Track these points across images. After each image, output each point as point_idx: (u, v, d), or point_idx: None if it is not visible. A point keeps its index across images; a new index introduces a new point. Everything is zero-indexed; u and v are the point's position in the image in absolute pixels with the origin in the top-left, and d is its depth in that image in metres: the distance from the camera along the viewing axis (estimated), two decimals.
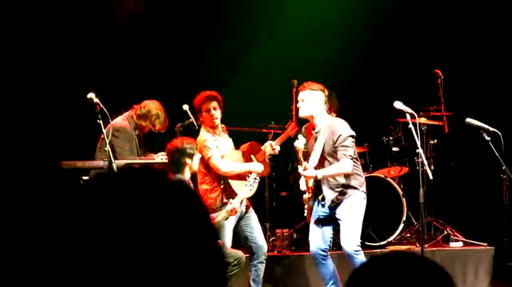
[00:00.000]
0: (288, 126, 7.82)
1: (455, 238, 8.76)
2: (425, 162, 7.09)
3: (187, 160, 6.74)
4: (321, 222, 6.97)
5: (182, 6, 9.97)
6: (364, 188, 6.95)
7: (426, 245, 8.09)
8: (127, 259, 1.10)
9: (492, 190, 7.90)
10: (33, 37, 9.13)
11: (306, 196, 7.03)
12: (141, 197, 1.16)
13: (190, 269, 1.14)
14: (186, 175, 6.80)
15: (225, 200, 6.99)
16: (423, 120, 8.74)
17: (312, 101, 6.89)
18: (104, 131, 6.86)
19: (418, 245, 8.41)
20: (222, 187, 7.02)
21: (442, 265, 1.44)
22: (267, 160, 7.56)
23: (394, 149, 8.94)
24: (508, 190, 7.04)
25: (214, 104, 7.19)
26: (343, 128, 6.82)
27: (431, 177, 7.13)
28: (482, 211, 9.31)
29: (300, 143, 6.86)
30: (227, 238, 6.95)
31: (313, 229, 7.02)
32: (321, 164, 6.86)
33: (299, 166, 6.80)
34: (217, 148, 7.13)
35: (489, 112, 8.57)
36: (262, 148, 7.53)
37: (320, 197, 6.94)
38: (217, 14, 10.12)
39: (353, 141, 6.82)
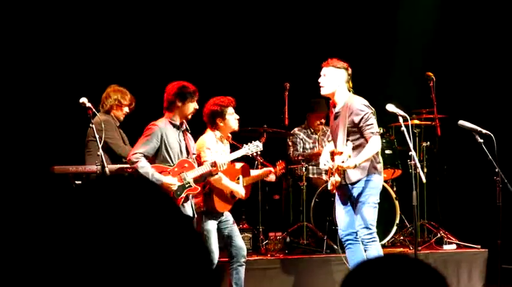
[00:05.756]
0: (278, 165, 7.89)
1: (448, 240, 8.76)
2: (418, 165, 7.07)
3: (179, 103, 6.74)
4: (346, 205, 6.93)
5: (187, 7, 9.97)
6: (379, 168, 6.90)
7: (419, 248, 8.09)
8: (116, 263, 1.10)
9: (485, 192, 7.90)
10: (26, 41, 9.11)
11: (335, 179, 6.84)
12: (119, 204, 1.16)
13: (179, 270, 1.14)
14: (177, 118, 6.77)
15: (202, 209, 6.98)
16: (416, 122, 8.75)
17: (333, 78, 6.88)
18: (97, 135, 6.84)
19: (411, 248, 8.40)
20: (204, 193, 7.00)
21: (436, 266, 1.43)
22: (250, 185, 7.57)
23: (387, 151, 8.94)
24: (501, 192, 7.03)
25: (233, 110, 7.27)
26: (363, 107, 6.79)
27: (424, 180, 7.12)
28: (476, 213, 9.32)
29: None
30: (214, 242, 6.93)
31: (339, 212, 7.00)
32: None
33: (332, 161, 6.76)
34: (217, 152, 7.12)
35: (482, 114, 8.58)
36: (261, 172, 7.59)
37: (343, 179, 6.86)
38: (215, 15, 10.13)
39: (375, 118, 6.81)
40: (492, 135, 6.97)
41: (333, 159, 6.89)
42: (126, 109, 7.74)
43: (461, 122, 7.17)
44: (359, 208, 6.76)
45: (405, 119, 6.95)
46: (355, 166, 6.62)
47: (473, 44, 10.23)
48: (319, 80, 6.96)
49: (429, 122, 9.05)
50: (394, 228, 8.56)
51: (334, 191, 6.95)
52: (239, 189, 7.19)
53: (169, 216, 1.20)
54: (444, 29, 10.36)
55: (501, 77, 10.09)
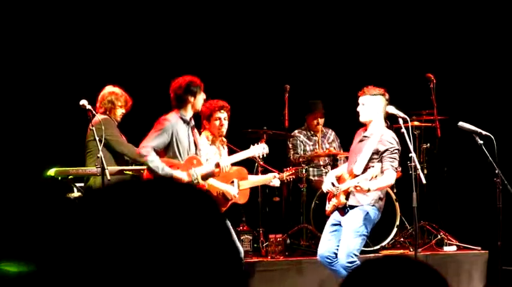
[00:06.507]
0: (286, 171, 7.89)
1: (448, 242, 8.76)
2: (418, 166, 7.08)
3: (190, 98, 6.80)
4: (333, 229, 6.95)
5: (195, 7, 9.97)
6: (380, 204, 6.91)
7: (420, 250, 8.09)
8: (144, 265, 1.11)
9: (485, 193, 7.90)
10: (26, 43, 9.11)
11: (339, 200, 6.86)
12: (156, 205, 1.16)
13: (210, 271, 1.14)
14: (188, 113, 6.84)
15: None
16: (416, 124, 8.74)
17: (372, 106, 6.88)
18: (97, 137, 6.84)
19: (411, 249, 8.40)
20: None
21: (436, 268, 1.43)
22: (248, 190, 7.50)
23: None
24: (501, 193, 7.03)
25: (226, 115, 7.36)
26: (394, 141, 6.82)
27: (424, 181, 7.12)
28: (476, 214, 9.31)
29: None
30: None
31: (324, 234, 7.01)
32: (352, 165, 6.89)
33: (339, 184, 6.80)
34: (207, 154, 7.20)
35: (482, 116, 8.58)
36: (263, 178, 7.56)
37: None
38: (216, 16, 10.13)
39: (399, 156, 6.84)
40: (492, 136, 6.97)
41: (339, 182, 6.92)
42: (121, 110, 7.70)
43: (461, 123, 7.17)
44: (348, 235, 6.75)
45: (405, 121, 6.95)
46: (368, 190, 6.62)
47: (473, 45, 10.22)
48: (358, 109, 6.96)
49: (429, 124, 9.05)
50: (394, 230, 8.55)
51: (330, 214, 6.99)
52: (230, 189, 7.14)
53: (205, 216, 1.19)
54: (444, 29, 10.35)
55: (501, 79, 10.08)
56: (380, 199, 6.87)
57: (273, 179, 7.51)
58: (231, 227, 7.03)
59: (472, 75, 10.17)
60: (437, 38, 10.36)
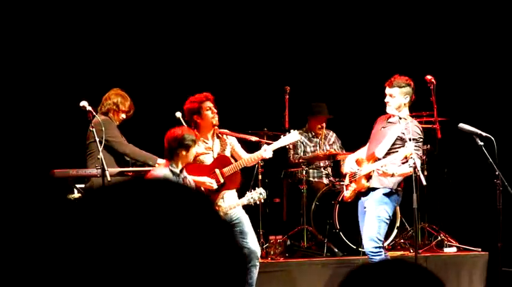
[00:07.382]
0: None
1: (449, 243, 8.76)
2: (419, 167, 7.07)
3: (183, 151, 6.68)
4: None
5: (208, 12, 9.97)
6: (399, 189, 6.94)
7: (420, 251, 8.08)
8: (143, 267, 1.10)
9: (486, 195, 7.90)
10: (27, 44, 9.12)
11: (363, 184, 6.88)
12: (152, 206, 1.16)
13: (211, 271, 1.14)
14: (179, 165, 6.69)
15: None
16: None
17: (400, 98, 6.89)
18: (97, 138, 6.84)
19: (411, 251, 8.39)
20: None
21: (434, 271, 1.43)
22: (238, 173, 7.19)
23: None
24: (502, 195, 7.03)
25: (212, 104, 7.15)
26: (419, 130, 6.87)
27: (424, 182, 7.12)
28: (476, 216, 9.31)
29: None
30: None
31: (361, 227, 7.04)
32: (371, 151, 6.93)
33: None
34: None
35: (482, 117, 8.58)
36: (260, 153, 7.35)
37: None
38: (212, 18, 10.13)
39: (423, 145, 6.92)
40: (492, 138, 6.97)
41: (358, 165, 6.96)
42: (123, 115, 7.68)
43: (461, 125, 7.17)
44: (370, 220, 6.79)
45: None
46: (393, 175, 6.64)
47: (473, 47, 10.22)
48: (386, 100, 6.95)
49: (429, 125, 9.04)
50: (395, 231, 8.55)
51: (350, 200, 7.01)
52: (203, 180, 6.98)
53: (206, 223, 1.18)
54: (444, 31, 10.35)
55: (501, 80, 10.08)
56: (400, 186, 6.92)
57: (263, 152, 7.21)
58: (246, 226, 7.02)
59: (472, 77, 10.17)
60: (437, 39, 10.37)
